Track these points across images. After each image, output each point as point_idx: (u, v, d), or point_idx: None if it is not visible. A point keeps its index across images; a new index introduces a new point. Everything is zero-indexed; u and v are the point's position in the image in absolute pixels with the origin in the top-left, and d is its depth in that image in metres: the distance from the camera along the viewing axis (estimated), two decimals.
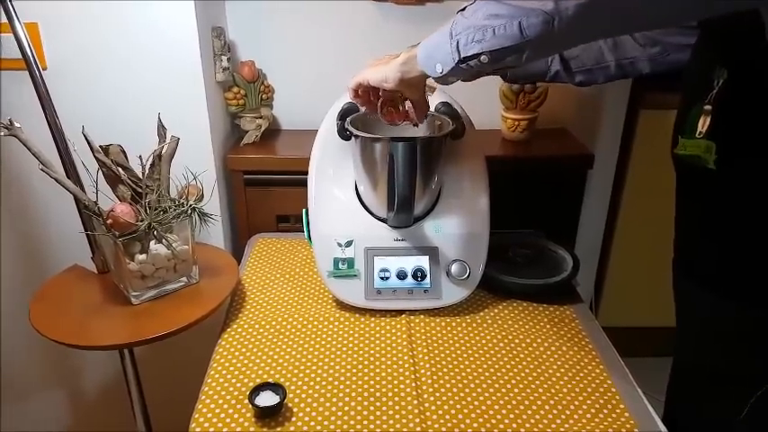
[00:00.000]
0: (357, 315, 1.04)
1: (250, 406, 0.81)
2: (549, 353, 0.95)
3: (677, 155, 0.82)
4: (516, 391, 0.87)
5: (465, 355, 0.94)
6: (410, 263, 1.04)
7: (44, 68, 1.12)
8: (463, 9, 0.68)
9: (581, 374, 0.91)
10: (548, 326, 1.02)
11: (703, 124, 0.76)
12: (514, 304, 1.08)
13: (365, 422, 0.81)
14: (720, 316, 0.82)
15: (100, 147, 0.99)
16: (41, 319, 0.96)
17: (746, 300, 0.77)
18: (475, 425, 0.80)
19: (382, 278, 1.03)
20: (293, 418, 0.82)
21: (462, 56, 0.67)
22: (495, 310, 1.06)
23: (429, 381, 0.88)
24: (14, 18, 1.00)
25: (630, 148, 1.64)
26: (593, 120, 1.52)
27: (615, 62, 1.02)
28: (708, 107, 0.75)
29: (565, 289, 1.11)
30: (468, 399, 0.85)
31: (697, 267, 0.85)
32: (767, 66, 0.69)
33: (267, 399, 0.82)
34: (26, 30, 1.01)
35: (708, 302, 0.83)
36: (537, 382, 0.89)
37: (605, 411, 0.83)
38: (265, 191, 1.35)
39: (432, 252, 1.04)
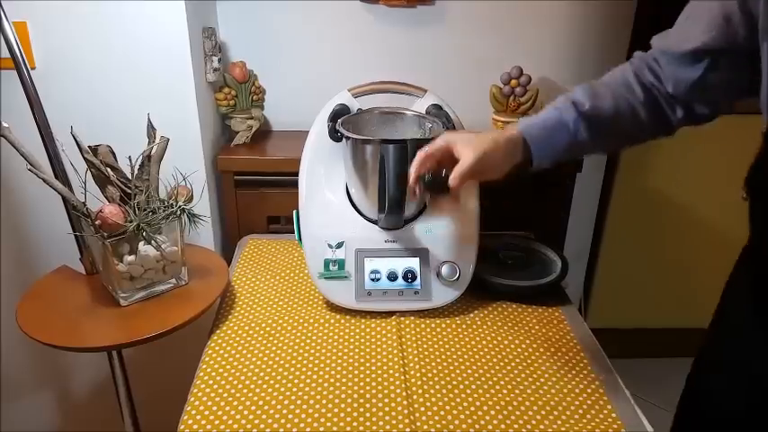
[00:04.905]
0: (347, 316, 1.04)
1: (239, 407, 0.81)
2: (537, 354, 0.96)
3: None
4: (505, 391, 0.87)
5: (454, 357, 0.94)
6: (400, 264, 1.04)
7: (33, 68, 1.11)
8: None
9: (569, 375, 0.91)
10: (536, 327, 1.03)
11: None
12: (504, 305, 1.09)
13: (355, 423, 0.81)
14: None
15: (89, 147, 0.98)
16: (29, 321, 0.96)
17: None
18: (464, 425, 0.81)
19: (373, 279, 1.03)
20: (282, 420, 0.81)
21: None
22: (485, 312, 1.07)
23: (419, 382, 0.88)
24: (3, 17, 0.99)
25: (618, 151, 1.66)
26: None
27: None
28: None
29: (554, 291, 1.12)
30: (458, 400, 0.85)
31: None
32: None
33: None
34: (15, 29, 1.01)
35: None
36: (525, 383, 0.89)
37: (593, 412, 0.84)
38: (256, 192, 1.34)
39: (422, 254, 1.05)
